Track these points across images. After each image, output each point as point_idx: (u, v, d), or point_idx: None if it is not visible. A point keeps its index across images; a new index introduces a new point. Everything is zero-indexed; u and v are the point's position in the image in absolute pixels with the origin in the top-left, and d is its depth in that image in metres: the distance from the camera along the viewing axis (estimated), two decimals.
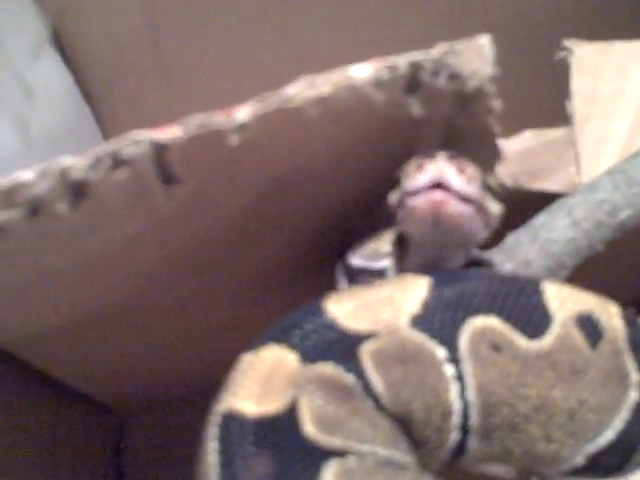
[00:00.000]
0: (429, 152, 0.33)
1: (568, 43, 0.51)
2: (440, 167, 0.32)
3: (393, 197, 0.34)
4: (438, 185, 0.32)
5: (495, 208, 0.34)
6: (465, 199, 0.32)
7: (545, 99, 0.48)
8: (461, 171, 0.32)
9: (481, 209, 0.33)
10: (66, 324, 0.40)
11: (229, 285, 0.44)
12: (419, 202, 0.32)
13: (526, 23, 0.55)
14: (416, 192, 0.32)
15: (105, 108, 0.56)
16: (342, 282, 0.41)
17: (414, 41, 0.54)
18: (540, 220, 0.41)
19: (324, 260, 0.42)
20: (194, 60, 0.55)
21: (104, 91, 0.55)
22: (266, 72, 0.56)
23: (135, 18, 0.53)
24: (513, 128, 0.44)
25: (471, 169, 0.32)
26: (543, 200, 0.42)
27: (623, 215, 0.41)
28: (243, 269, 0.43)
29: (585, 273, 0.41)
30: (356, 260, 0.40)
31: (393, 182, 0.35)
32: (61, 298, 0.38)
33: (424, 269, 0.35)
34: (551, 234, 0.41)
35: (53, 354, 0.43)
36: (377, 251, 0.40)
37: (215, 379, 0.32)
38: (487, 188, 0.34)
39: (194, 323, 0.46)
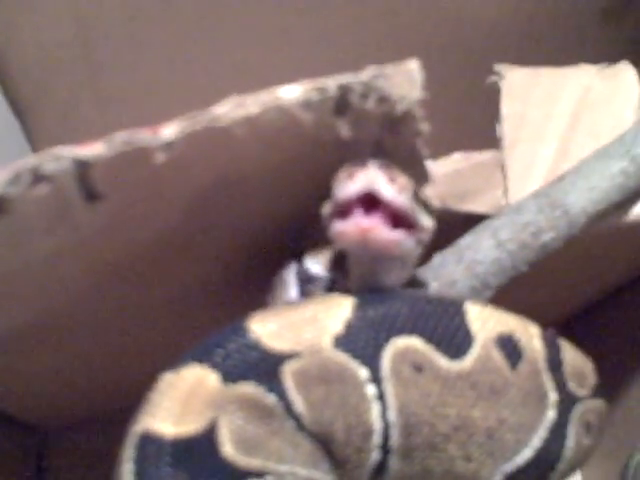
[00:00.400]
0: (361, 160, 0.32)
1: (499, 68, 0.52)
2: (371, 175, 0.31)
3: (326, 208, 0.34)
4: (368, 197, 0.31)
5: (427, 222, 0.34)
6: (395, 213, 0.31)
7: (476, 122, 0.49)
8: (392, 180, 0.31)
9: (412, 223, 0.32)
10: None
11: (157, 301, 0.43)
12: (346, 228, 0.31)
13: (459, 47, 0.56)
14: (346, 206, 0.31)
15: (36, 122, 0.55)
16: (291, 288, 0.40)
17: (348, 62, 0.55)
18: (466, 241, 0.42)
19: (257, 275, 0.42)
20: (126, 74, 0.55)
21: (36, 105, 0.54)
22: (200, 87, 0.56)
23: (66, 32, 0.52)
24: (443, 150, 0.45)
25: (402, 179, 0.32)
26: (470, 221, 0.43)
27: (546, 237, 0.42)
28: (171, 285, 0.42)
29: (509, 293, 0.42)
30: (315, 267, 0.40)
31: (326, 196, 0.34)
32: None
33: (366, 282, 0.35)
34: (476, 255, 0.41)
35: None
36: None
37: (141, 397, 0.32)
38: (419, 201, 0.33)
39: (120, 340, 0.45)
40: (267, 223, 0.40)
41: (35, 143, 0.57)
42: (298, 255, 0.40)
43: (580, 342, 0.52)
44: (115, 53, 0.54)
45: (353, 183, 0.31)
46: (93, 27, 0.53)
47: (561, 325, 0.57)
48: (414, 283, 0.39)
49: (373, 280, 0.34)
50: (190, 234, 0.38)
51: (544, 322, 0.39)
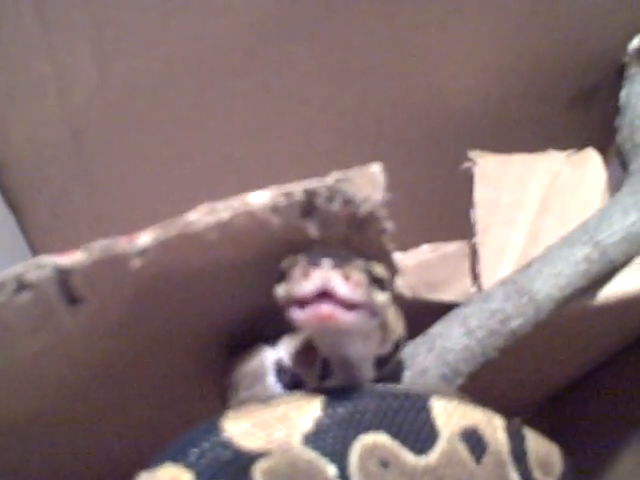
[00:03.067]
0: (314, 257, 0.33)
1: (472, 154, 0.54)
2: (325, 275, 0.32)
3: (280, 291, 0.35)
4: (324, 293, 0.32)
5: (381, 298, 0.35)
6: (351, 304, 0.33)
7: (451, 208, 0.51)
8: (347, 278, 0.32)
9: (367, 306, 0.34)
10: None
11: (141, 392, 0.45)
12: (305, 316, 0.33)
13: (432, 137, 0.58)
14: (302, 300, 0.33)
15: (29, 214, 0.57)
16: (268, 377, 0.41)
17: (327, 152, 0.57)
18: (437, 329, 0.44)
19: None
20: (115, 168, 0.57)
21: (29, 198, 0.57)
22: (187, 179, 0.58)
23: (57, 128, 0.54)
24: (413, 241, 0.46)
25: (356, 274, 0.33)
26: (441, 310, 0.45)
27: (514, 324, 0.43)
28: (154, 378, 0.44)
29: (480, 380, 0.43)
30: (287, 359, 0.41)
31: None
32: None
33: (335, 357, 0.37)
34: (447, 342, 0.43)
35: None
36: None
37: None
38: (373, 280, 0.34)
39: (105, 431, 0.46)
40: (241, 315, 0.42)
41: (28, 234, 0.59)
42: (270, 344, 0.41)
43: (562, 421, 0.53)
44: (105, 148, 0.57)
45: (308, 282, 0.32)
46: (83, 123, 0.56)
47: (542, 406, 0.58)
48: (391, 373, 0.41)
49: (340, 354, 0.36)
50: (168, 331, 0.40)
51: (516, 407, 0.41)
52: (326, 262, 0.33)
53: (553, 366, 0.53)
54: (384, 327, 0.37)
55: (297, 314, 0.33)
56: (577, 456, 0.42)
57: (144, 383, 0.44)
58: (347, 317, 0.33)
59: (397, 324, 0.39)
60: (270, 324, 0.41)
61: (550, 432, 0.41)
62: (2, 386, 0.39)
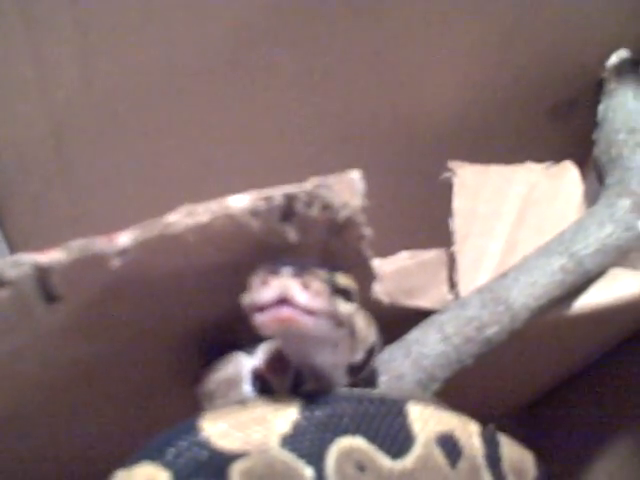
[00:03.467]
0: (275, 266, 0.34)
1: (452, 165, 0.55)
2: (284, 283, 0.33)
3: (246, 299, 0.35)
4: (283, 300, 0.32)
5: (345, 308, 0.35)
6: (310, 311, 0.33)
7: (432, 217, 0.51)
8: (306, 287, 0.33)
9: (330, 315, 0.34)
10: None
11: (117, 392, 0.45)
12: (265, 319, 0.33)
13: (413, 146, 0.59)
14: (262, 307, 0.33)
15: (9, 215, 0.57)
16: (245, 384, 0.41)
17: (307, 158, 0.58)
18: (413, 335, 0.44)
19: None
20: (96, 170, 0.57)
21: (8, 199, 0.56)
22: (167, 181, 0.59)
23: (39, 129, 0.54)
24: (392, 247, 0.47)
25: (317, 283, 0.33)
26: (418, 316, 0.45)
27: (490, 331, 0.44)
28: (130, 377, 0.44)
29: (456, 386, 0.43)
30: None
31: None
32: None
33: (303, 365, 0.37)
34: (423, 348, 0.43)
35: None
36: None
37: None
38: (337, 291, 0.35)
39: (82, 430, 0.46)
40: (219, 319, 0.42)
41: (8, 233, 0.59)
42: (247, 351, 0.41)
43: (537, 428, 0.53)
44: (85, 148, 0.57)
45: (267, 290, 0.33)
46: (65, 123, 0.56)
47: (518, 413, 0.59)
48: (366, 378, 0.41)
49: (309, 362, 0.36)
50: (144, 331, 0.40)
51: (491, 414, 0.41)
52: (285, 271, 0.33)
53: (528, 374, 0.54)
54: (353, 336, 0.37)
55: (257, 318, 0.33)
56: (552, 463, 0.43)
57: (120, 382, 0.44)
58: (306, 320, 0.33)
59: (369, 331, 0.39)
60: (247, 331, 0.41)
61: (526, 439, 0.42)
62: None
